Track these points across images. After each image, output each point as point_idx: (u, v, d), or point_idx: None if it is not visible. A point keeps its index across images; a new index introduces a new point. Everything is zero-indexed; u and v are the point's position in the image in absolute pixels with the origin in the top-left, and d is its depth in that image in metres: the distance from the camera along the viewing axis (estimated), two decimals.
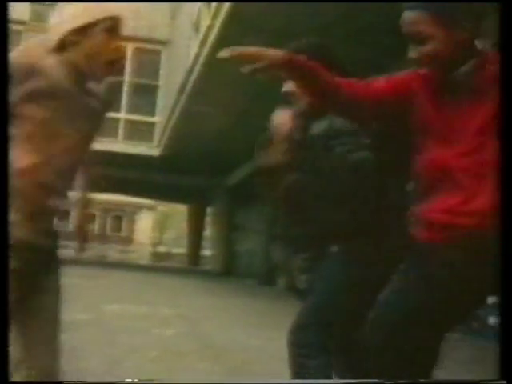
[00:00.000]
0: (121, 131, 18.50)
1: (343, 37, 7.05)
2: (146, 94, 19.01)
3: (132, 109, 18.74)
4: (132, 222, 48.66)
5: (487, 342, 6.29)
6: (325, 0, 6.07)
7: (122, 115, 18.63)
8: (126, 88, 18.87)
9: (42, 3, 18.21)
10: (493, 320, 6.75)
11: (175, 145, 15.89)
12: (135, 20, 18.24)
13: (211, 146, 15.12)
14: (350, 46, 7.31)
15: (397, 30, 1.78)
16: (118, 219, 48.18)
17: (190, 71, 10.87)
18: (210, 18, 8.51)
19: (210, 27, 8.61)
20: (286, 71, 1.85)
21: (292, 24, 7.18)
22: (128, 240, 47.29)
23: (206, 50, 9.08)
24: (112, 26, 1.94)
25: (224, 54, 1.76)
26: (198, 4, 10.86)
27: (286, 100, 2.25)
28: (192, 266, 27.51)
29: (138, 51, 18.98)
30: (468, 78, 1.73)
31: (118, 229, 48.30)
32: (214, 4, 8.41)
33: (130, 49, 18.91)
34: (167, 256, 37.15)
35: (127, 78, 18.93)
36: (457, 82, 1.75)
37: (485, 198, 1.69)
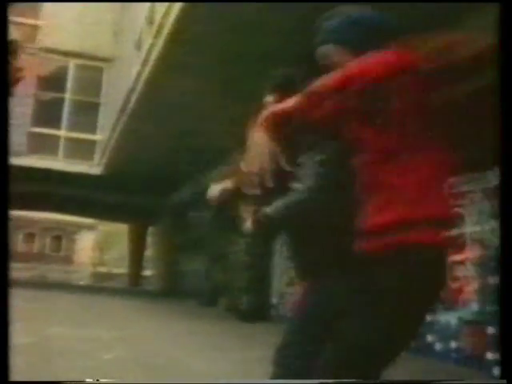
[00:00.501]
0: (61, 149, 18.13)
1: (286, 63, 7.10)
2: (87, 112, 18.73)
3: (73, 126, 18.42)
4: (72, 241, 47.58)
5: (426, 361, 6.41)
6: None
7: (63, 133, 18.29)
8: (66, 105, 18.55)
9: None
10: (431, 338, 6.86)
11: (117, 163, 15.69)
12: (78, 36, 18.03)
13: (153, 165, 14.99)
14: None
15: None
16: (58, 239, 47.05)
17: (132, 90, 10.78)
18: (153, 37, 8.47)
19: (152, 46, 8.56)
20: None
21: (235, 46, 7.22)
22: (68, 260, 46.17)
23: (148, 69, 9.02)
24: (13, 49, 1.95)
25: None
26: (141, 22, 10.81)
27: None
28: (133, 287, 27.07)
29: (80, 68, 18.72)
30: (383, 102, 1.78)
31: (58, 249, 47.15)
32: (156, 22, 8.38)
33: (71, 65, 18.65)
34: (108, 276, 36.43)
35: (68, 94, 18.63)
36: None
37: (430, 207, 1.72)
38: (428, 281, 1.72)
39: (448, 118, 1.81)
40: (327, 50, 1.82)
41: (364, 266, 1.78)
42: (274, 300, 11.94)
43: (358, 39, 1.78)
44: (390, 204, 1.73)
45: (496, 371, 6.01)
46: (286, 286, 11.50)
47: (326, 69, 1.79)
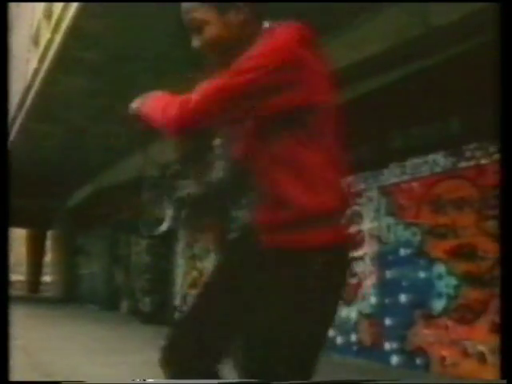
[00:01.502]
0: None
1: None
2: None
3: None
4: None
5: (351, 359, 6.56)
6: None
7: None
8: None
9: None
10: (355, 336, 6.96)
11: (13, 164, 15.04)
12: None
13: (50, 166, 14.52)
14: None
15: None
16: None
17: (29, 87, 10.37)
18: (50, 32, 8.18)
19: (50, 41, 8.27)
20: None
21: (132, 43, 7.11)
22: None
23: (45, 66, 8.70)
24: None
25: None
26: (38, 16, 10.43)
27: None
28: (32, 294, 26.08)
29: None
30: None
31: None
32: (54, 17, 8.10)
33: None
34: None
35: None
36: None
37: (327, 202, 1.62)
38: (328, 281, 1.63)
39: (344, 118, 1.75)
40: (188, 5, 1.72)
41: (265, 260, 1.69)
42: (177, 302, 11.85)
43: None
44: (284, 200, 1.62)
45: (393, 360, 6.26)
46: (188, 287, 11.44)
47: (188, 25, 1.73)
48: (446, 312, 5.71)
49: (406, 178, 6.41)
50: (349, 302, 6.92)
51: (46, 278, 28.34)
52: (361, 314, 6.81)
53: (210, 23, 1.69)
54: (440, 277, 5.80)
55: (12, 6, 17.16)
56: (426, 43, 5.64)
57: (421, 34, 5.57)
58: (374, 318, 6.64)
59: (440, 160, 5.97)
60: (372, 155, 6.86)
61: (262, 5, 1.76)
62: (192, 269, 11.37)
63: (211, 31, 1.70)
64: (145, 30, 6.74)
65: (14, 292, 29.31)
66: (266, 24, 1.73)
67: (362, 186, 6.98)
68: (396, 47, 5.87)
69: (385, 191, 6.71)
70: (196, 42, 1.74)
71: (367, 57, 6.18)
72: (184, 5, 1.72)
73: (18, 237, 32.77)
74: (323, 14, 5.92)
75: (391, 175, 6.61)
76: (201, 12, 1.69)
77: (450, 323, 5.65)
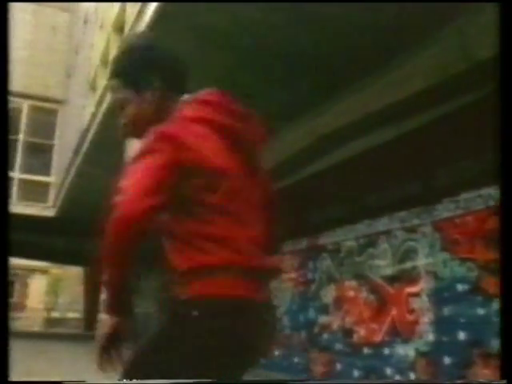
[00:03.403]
0: (15, 191, 17.84)
1: None
2: (41, 154, 18.54)
3: (27, 168, 18.18)
4: (25, 285, 46.32)
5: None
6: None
7: (17, 175, 18.01)
8: (20, 147, 18.32)
9: None
10: (390, 371, 6.90)
11: (70, 206, 15.51)
12: (30, 77, 17.93)
13: (104, 207, 14.89)
14: None
15: None
16: (10, 284, 45.74)
17: (86, 131, 10.74)
18: (107, 78, 8.50)
19: (106, 87, 8.59)
20: None
21: None
22: (20, 306, 44.85)
23: (102, 110, 9.03)
24: None
25: None
26: (95, 63, 10.86)
27: None
28: (88, 332, 26.42)
29: (34, 109, 18.58)
30: None
31: (10, 294, 45.78)
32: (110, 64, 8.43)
33: (25, 107, 18.49)
34: (62, 322, 35.48)
35: (22, 136, 18.43)
36: None
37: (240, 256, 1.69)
38: (222, 334, 1.66)
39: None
40: (113, 85, 1.89)
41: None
42: None
43: (132, 73, 1.82)
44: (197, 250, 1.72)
45: None
46: None
47: (116, 105, 1.88)
48: None
49: (459, 212, 6.32)
50: (406, 340, 6.80)
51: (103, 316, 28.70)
52: (418, 351, 6.67)
53: (130, 102, 1.82)
54: (499, 314, 5.65)
55: (69, 52, 17.89)
56: (471, 77, 5.61)
57: (464, 68, 5.56)
58: (431, 356, 6.50)
59: (494, 194, 5.88)
60: (424, 190, 6.81)
61: (181, 81, 1.88)
62: None
63: (131, 110, 1.82)
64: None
65: (70, 330, 29.80)
66: (185, 96, 1.84)
67: (416, 222, 6.92)
68: (441, 83, 5.86)
69: (439, 226, 6.63)
70: (121, 119, 1.87)
71: (412, 94, 6.18)
72: (110, 83, 1.90)
73: (75, 275, 33.46)
74: (366, 55, 6.00)
75: (445, 210, 6.53)
76: (121, 92, 1.84)
77: None
